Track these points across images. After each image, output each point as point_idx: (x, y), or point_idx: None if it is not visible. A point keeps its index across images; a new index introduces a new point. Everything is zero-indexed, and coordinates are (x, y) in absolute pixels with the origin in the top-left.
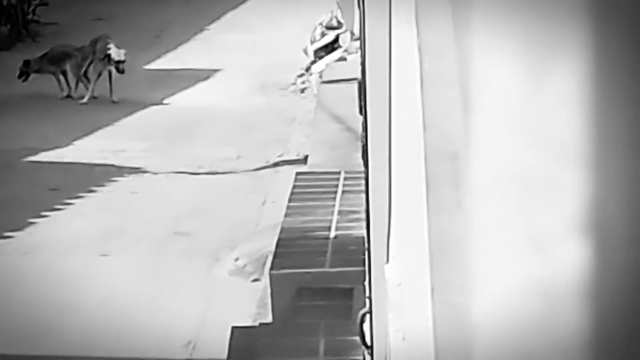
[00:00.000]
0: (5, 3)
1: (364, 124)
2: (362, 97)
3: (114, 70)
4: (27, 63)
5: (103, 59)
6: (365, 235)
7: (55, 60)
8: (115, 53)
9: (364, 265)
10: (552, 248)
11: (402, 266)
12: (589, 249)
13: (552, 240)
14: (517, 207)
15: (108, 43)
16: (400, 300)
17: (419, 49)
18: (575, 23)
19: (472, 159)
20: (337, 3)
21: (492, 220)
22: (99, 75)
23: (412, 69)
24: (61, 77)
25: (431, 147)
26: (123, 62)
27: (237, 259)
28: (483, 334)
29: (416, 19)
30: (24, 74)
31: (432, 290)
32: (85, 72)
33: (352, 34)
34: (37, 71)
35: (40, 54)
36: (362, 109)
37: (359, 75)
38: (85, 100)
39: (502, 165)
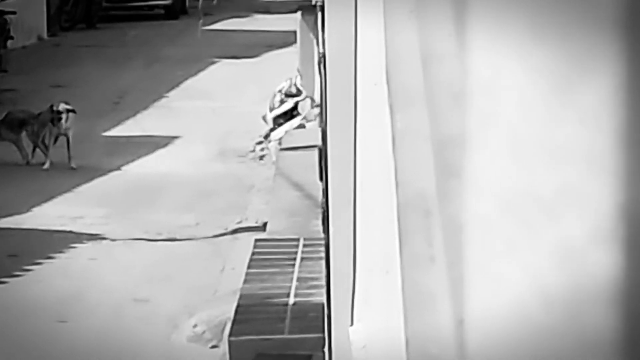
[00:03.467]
0: None
1: (324, 191)
2: (323, 164)
3: (71, 137)
4: None
5: (55, 123)
6: (325, 301)
7: (13, 127)
8: (61, 107)
9: (323, 332)
10: (580, 258)
11: (368, 327)
12: (618, 257)
13: (580, 251)
14: (537, 225)
15: (59, 104)
16: None
17: (390, 107)
18: (604, 37)
19: (479, 180)
20: (298, 70)
21: (505, 243)
22: (55, 140)
23: (380, 128)
24: (22, 144)
25: (404, 204)
26: (61, 112)
27: (195, 326)
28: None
29: (386, 77)
30: None
31: (407, 342)
32: (43, 138)
33: (313, 100)
34: None
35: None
36: (323, 176)
37: (319, 142)
38: (46, 166)
39: (518, 182)
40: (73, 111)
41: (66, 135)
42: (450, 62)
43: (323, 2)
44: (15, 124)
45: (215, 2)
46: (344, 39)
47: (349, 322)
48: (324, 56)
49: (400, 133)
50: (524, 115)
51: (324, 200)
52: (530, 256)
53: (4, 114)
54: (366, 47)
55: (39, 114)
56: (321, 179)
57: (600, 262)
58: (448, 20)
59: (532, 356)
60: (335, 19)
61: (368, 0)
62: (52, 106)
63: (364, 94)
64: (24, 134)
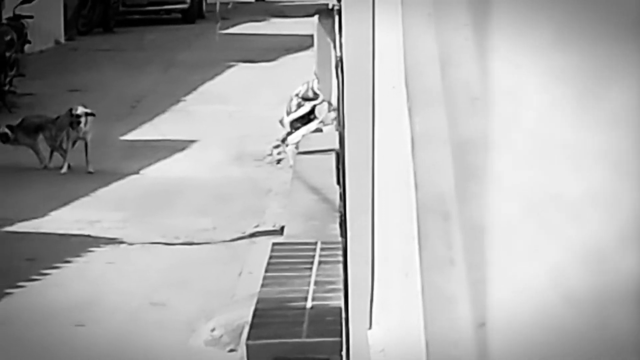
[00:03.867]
0: None
1: (342, 194)
2: (340, 167)
3: (89, 141)
4: (4, 136)
5: (74, 126)
6: (342, 305)
7: (29, 132)
8: (80, 111)
9: (340, 336)
10: (605, 260)
11: (386, 330)
12: None
13: (605, 253)
14: (561, 227)
15: (78, 107)
16: None
17: (409, 110)
18: (629, 42)
19: (502, 183)
20: (315, 73)
21: (527, 246)
22: (74, 144)
23: (399, 131)
24: (39, 148)
25: (423, 207)
26: (80, 116)
27: (213, 330)
28: None
29: (405, 80)
30: (4, 139)
31: (427, 344)
32: (61, 143)
33: (329, 104)
34: (13, 143)
35: (13, 125)
36: (340, 179)
37: (336, 146)
38: (64, 170)
39: (541, 185)
40: (92, 114)
41: (84, 139)
42: (468, 66)
43: (340, 5)
44: (31, 129)
45: (230, 6)
46: (361, 42)
47: (367, 326)
48: (341, 60)
49: (419, 136)
50: (547, 118)
51: (342, 204)
52: (554, 258)
53: (20, 120)
54: (384, 50)
55: (57, 118)
56: (338, 182)
57: (625, 264)
58: (466, 24)
59: (556, 358)
60: (352, 22)
61: (386, 3)
62: (70, 110)
63: (381, 97)
64: (40, 138)
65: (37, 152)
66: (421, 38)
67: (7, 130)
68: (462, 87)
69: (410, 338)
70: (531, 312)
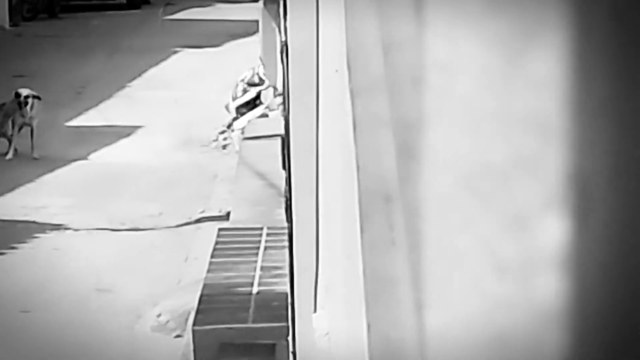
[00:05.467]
0: None
1: (287, 179)
2: (286, 152)
3: (35, 127)
4: None
5: (21, 107)
6: (288, 290)
7: None
8: (27, 92)
9: (286, 321)
10: (533, 225)
11: (331, 314)
12: (568, 225)
13: (533, 218)
14: (493, 197)
15: (23, 90)
16: (329, 348)
17: (351, 92)
18: (554, 4)
19: (436, 159)
20: (260, 59)
21: (460, 219)
22: (20, 129)
23: (341, 114)
24: None
25: (365, 189)
26: (27, 97)
27: (159, 315)
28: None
29: (347, 62)
30: None
31: (369, 327)
32: (6, 128)
33: (275, 89)
34: None
35: None
36: (285, 164)
37: (282, 132)
38: (9, 156)
39: (474, 156)
40: (38, 97)
41: (30, 124)
42: (410, 47)
43: None
44: None
45: None
46: (305, 26)
47: (313, 310)
48: (286, 45)
49: (361, 118)
50: (479, 89)
51: (287, 188)
52: (487, 229)
53: None
54: (327, 34)
55: (3, 105)
56: (284, 167)
57: (551, 229)
58: (408, 6)
59: (488, 331)
60: (297, 7)
61: None
62: (17, 95)
63: (325, 81)
64: None
65: None
66: (363, 21)
67: None
68: (404, 69)
69: (352, 321)
70: (465, 287)
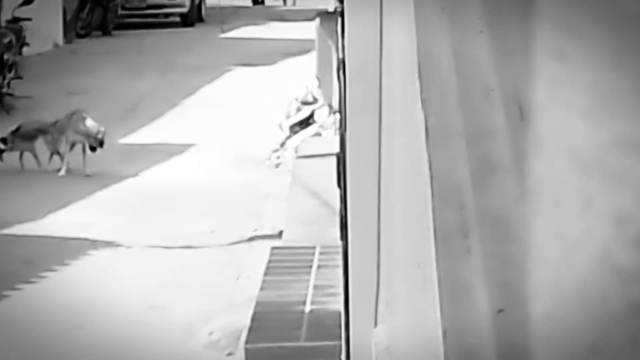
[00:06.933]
0: None
1: (342, 197)
2: (341, 170)
3: (87, 144)
4: (2, 140)
5: (79, 132)
6: (342, 309)
7: (27, 137)
8: (93, 128)
9: (339, 339)
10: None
11: (392, 327)
12: None
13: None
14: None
15: (85, 119)
16: None
17: (423, 102)
18: None
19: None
20: (316, 77)
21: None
22: (72, 147)
23: (409, 126)
24: (37, 152)
25: (439, 197)
26: (103, 142)
27: (211, 333)
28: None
29: (419, 73)
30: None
31: (444, 334)
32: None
33: (330, 107)
34: (11, 149)
35: (10, 131)
36: (340, 182)
37: (335, 150)
38: (62, 173)
39: (592, 137)
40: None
41: (83, 143)
42: (483, 58)
43: (343, 7)
44: (30, 135)
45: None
46: (367, 41)
47: (370, 328)
48: (343, 62)
49: (434, 128)
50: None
51: (342, 206)
52: (616, 207)
53: (16, 126)
54: (392, 47)
55: (56, 122)
56: (339, 185)
57: None
58: (479, 17)
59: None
60: (357, 22)
61: (395, 0)
62: (71, 114)
63: (389, 95)
64: (43, 142)
65: (35, 156)
66: (434, 32)
67: (0, 145)
68: (476, 79)
69: (420, 330)
70: (544, 296)
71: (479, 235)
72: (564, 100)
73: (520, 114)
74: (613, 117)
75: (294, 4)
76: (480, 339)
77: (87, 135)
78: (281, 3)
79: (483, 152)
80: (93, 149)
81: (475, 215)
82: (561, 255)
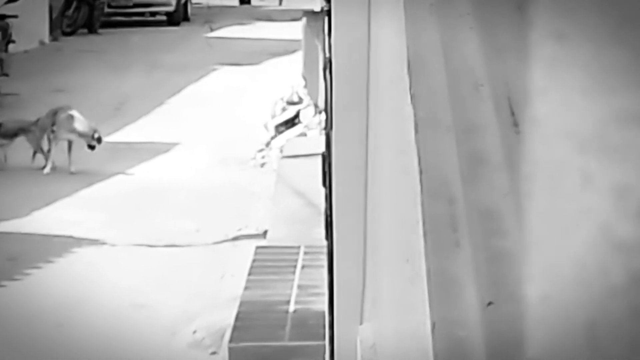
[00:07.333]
0: None
1: (328, 196)
2: (327, 169)
3: (73, 141)
4: None
5: (72, 131)
6: (326, 309)
7: (7, 135)
8: (88, 127)
9: (323, 339)
10: None
11: (378, 324)
12: None
13: None
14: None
15: (74, 117)
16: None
17: (412, 97)
18: None
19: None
20: (303, 76)
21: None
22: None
23: (396, 122)
24: (6, 151)
25: (428, 191)
26: (100, 139)
27: (195, 332)
28: (538, 330)
29: (408, 69)
30: None
31: (433, 327)
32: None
33: (316, 107)
34: None
35: None
36: (326, 182)
37: (320, 150)
38: (47, 170)
39: (592, 114)
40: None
41: (69, 140)
42: (473, 53)
43: (330, 6)
44: (10, 134)
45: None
46: (354, 38)
47: (355, 326)
48: (329, 61)
49: (423, 122)
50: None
51: (327, 206)
52: (618, 181)
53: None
54: (379, 44)
55: (37, 120)
56: (324, 185)
57: None
58: (468, 13)
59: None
60: (345, 21)
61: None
62: (55, 112)
63: (376, 91)
64: (26, 140)
65: (4, 154)
66: (423, 28)
67: None
68: (466, 74)
69: (408, 324)
70: (536, 286)
71: (468, 229)
72: (563, 81)
73: (510, 109)
74: (612, 92)
75: (279, 4)
76: (470, 332)
77: (83, 134)
78: (267, 3)
79: (473, 147)
80: (92, 147)
81: (465, 209)
82: (558, 236)
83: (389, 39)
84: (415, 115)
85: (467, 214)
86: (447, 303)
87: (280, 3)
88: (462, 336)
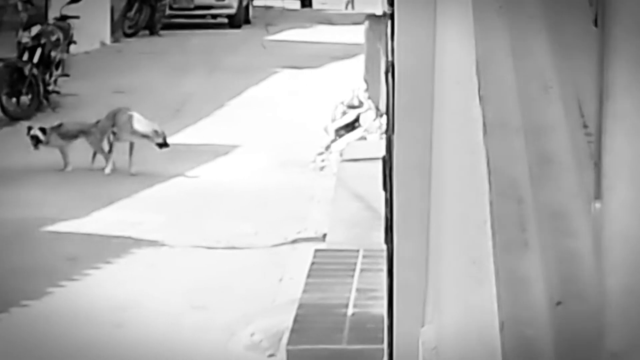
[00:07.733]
0: (27, 73)
1: (388, 200)
2: (387, 173)
3: (135, 143)
4: (35, 138)
5: (130, 131)
6: (385, 312)
7: (67, 136)
8: (146, 127)
9: (381, 343)
10: None
11: (441, 326)
12: None
13: None
14: None
15: (132, 118)
16: None
17: (481, 99)
18: None
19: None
20: (364, 79)
21: None
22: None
23: (463, 123)
24: (67, 152)
25: (497, 192)
26: (167, 144)
27: (252, 334)
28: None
29: (477, 70)
30: (36, 141)
31: (502, 326)
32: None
33: (377, 110)
34: (47, 143)
35: (50, 126)
36: (386, 185)
37: (380, 154)
38: (107, 171)
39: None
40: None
41: (131, 142)
42: (542, 56)
43: (393, 10)
44: (70, 135)
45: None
46: (419, 42)
47: (416, 329)
48: (392, 64)
49: (492, 124)
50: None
51: (387, 210)
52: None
53: (57, 123)
54: (445, 47)
55: (97, 122)
56: (384, 189)
57: None
58: (538, 16)
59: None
60: (409, 23)
61: (452, 3)
62: (114, 113)
63: (441, 95)
64: (87, 141)
65: (64, 155)
66: (492, 30)
67: (38, 133)
68: (535, 76)
69: (474, 325)
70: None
71: (537, 229)
72: (636, 80)
73: (579, 110)
74: None
75: (345, 8)
76: (538, 331)
77: (144, 135)
78: (328, 7)
79: (542, 148)
80: (161, 145)
81: (533, 210)
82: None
83: (455, 40)
84: (484, 117)
85: (536, 214)
86: (516, 303)
87: (347, 7)
88: (530, 335)
